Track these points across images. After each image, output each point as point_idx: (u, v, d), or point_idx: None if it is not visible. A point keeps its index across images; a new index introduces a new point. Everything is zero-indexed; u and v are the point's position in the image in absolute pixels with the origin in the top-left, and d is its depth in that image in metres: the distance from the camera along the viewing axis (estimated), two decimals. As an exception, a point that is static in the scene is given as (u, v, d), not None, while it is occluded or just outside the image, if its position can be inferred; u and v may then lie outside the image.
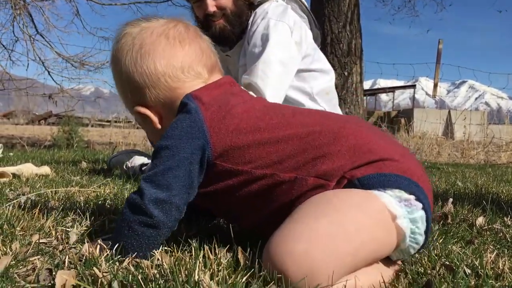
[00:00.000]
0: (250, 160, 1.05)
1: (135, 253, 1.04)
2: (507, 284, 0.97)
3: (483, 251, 1.22)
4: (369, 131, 1.10)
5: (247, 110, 1.11)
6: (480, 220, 1.59)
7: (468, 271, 1.04)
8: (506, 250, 1.29)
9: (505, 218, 1.67)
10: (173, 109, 1.14)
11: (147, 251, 1.05)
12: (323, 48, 5.78)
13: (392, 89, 20.14)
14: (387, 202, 0.97)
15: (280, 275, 0.86)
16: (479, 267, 1.06)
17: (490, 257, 1.13)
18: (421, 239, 1.01)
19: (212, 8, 2.36)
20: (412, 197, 0.99)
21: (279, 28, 2.32)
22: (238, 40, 2.49)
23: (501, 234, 1.45)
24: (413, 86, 19.97)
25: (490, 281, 0.97)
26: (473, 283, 0.97)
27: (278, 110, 1.14)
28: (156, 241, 1.06)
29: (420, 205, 0.99)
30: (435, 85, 10.14)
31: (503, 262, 1.09)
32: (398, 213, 0.97)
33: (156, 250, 1.06)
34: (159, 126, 1.17)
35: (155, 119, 1.17)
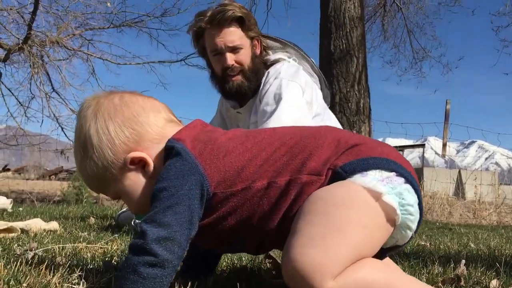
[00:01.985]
0: (247, 178, 1.12)
1: None
2: None
3: (498, 316, 1.18)
4: (340, 130, 1.24)
5: (231, 138, 1.19)
6: (494, 283, 1.55)
7: (483, 336, 1.00)
8: (522, 315, 1.25)
9: (520, 281, 1.62)
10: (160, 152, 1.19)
11: None
12: (332, 107, 5.87)
13: (401, 148, 20.13)
14: (370, 184, 1.04)
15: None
16: (494, 332, 1.03)
17: (506, 322, 1.09)
18: (412, 209, 1.07)
19: (230, 61, 2.43)
20: (392, 173, 1.07)
21: (291, 88, 2.37)
22: (251, 97, 2.54)
23: (517, 298, 1.41)
24: (422, 146, 19.96)
25: None
26: None
27: (258, 131, 1.23)
28: (161, 283, 1.05)
29: (402, 179, 1.07)
30: (444, 145, 10.15)
31: (519, 328, 1.05)
32: (382, 191, 1.03)
33: None
34: (151, 168, 1.19)
35: (150, 161, 1.19)
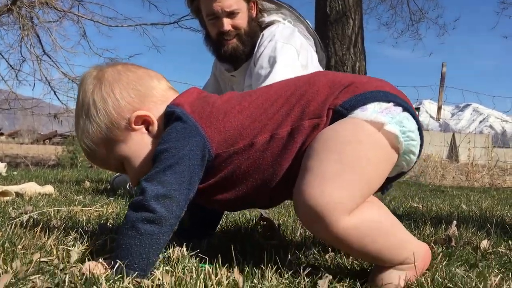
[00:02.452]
0: (248, 135, 1.14)
1: (137, 258, 1.05)
2: (512, 308, 0.96)
3: (487, 275, 1.21)
4: (332, 72, 1.25)
5: (226, 100, 1.21)
6: (485, 243, 1.57)
7: (472, 294, 1.02)
8: (510, 273, 1.28)
9: (510, 242, 1.65)
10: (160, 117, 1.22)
11: (150, 253, 1.06)
12: (327, 70, 5.82)
13: (396, 112, 20.09)
14: (371, 117, 1.08)
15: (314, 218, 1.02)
16: (484, 290, 1.05)
17: (495, 280, 1.11)
18: (413, 135, 1.12)
19: (227, 27, 2.38)
20: (390, 104, 1.12)
21: (286, 50, 2.34)
22: (246, 60, 2.51)
23: (506, 257, 1.43)
24: (417, 109, 19.97)
25: (495, 305, 0.96)
26: (477, 306, 0.96)
27: (253, 91, 1.25)
28: (158, 241, 1.07)
29: (399, 108, 1.12)
30: (439, 108, 10.16)
31: (507, 286, 1.08)
32: (384, 121, 1.08)
33: (155, 260, 1.08)
34: (156, 128, 1.22)
35: (155, 120, 1.22)
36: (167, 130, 1.16)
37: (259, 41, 2.45)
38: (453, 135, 11.83)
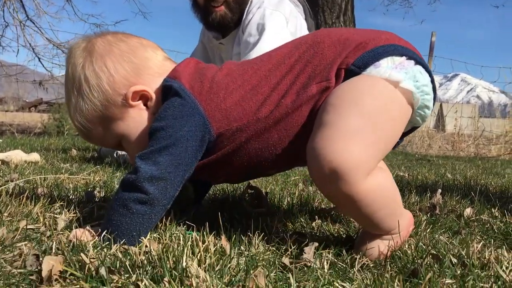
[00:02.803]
0: (251, 109, 1.08)
1: (127, 235, 1.04)
2: (492, 273, 0.98)
3: (470, 241, 1.23)
4: (337, 29, 1.18)
5: (227, 73, 1.14)
6: (468, 211, 1.60)
7: (454, 260, 1.04)
8: (492, 240, 1.31)
9: (493, 210, 1.68)
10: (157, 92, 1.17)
11: (140, 230, 1.05)
12: (316, 39, 5.75)
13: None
14: (386, 74, 1.05)
15: (330, 173, 0.96)
16: (466, 257, 1.07)
17: (477, 247, 1.14)
18: (427, 89, 1.09)
19: None
20: (403, 58, 1.08)
21: (274, 18, 2.30)
22: (234, 28, 2.47)
23: (488, 225, 1.46)
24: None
25: (476, 271, 0.98)
26: (459, 272, 0.98)
27: (253, 61, 1.17)
28: (149, 220, 1.06)
29: (412, 61, 1.08)
30: (428, 78, 10.15)
31: (489, 252, 1.10)
32: (399, 78, 1.05)
33: (145, 237, 1.07)
34: (154, 102, 1.16)
35: (153, 94, 1.16)
36: (164, 105, 1.10)
37: (247, 8, 2.41)
38: (441, 105, 11.87)
